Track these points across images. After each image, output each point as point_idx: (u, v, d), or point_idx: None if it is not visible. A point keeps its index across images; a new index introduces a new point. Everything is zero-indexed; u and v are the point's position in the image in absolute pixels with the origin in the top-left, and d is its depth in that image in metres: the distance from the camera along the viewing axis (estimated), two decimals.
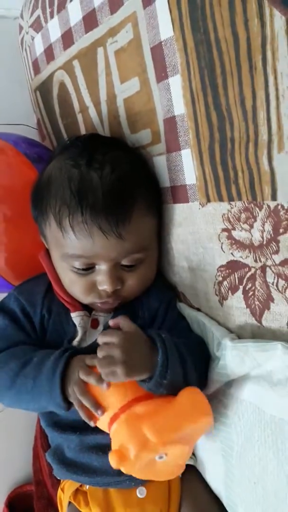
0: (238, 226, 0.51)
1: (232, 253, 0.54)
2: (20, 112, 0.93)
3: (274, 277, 0.49)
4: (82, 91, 0.71)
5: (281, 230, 0.46)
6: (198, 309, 0.64)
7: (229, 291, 0.56)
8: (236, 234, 0.52)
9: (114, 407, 0.51)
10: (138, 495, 0.63)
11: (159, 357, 0.51)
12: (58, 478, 0.68)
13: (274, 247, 0.48)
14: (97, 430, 0.55)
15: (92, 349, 0.55)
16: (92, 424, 0.53)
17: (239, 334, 0.56)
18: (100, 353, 0.52)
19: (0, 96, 1.02)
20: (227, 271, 0.55)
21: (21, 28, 0.88)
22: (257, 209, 0.48)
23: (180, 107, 0.53)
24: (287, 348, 0.47)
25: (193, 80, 0.50)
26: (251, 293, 0.52)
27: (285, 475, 0.50)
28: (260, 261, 0.50)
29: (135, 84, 0.59)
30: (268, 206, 0.47)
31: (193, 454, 0.69)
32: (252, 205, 0.48)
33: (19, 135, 0.81)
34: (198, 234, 0.58)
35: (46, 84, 0.82)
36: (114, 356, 0.50)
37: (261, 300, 0.51)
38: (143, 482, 0.63)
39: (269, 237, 0.48)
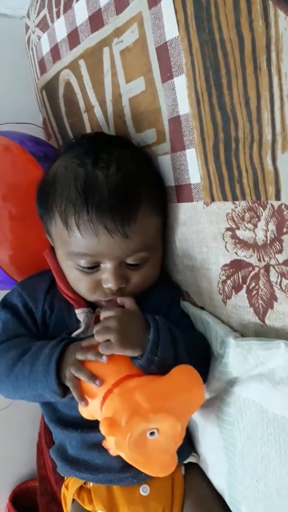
0: (242, 225, 0.51)
1: (236, 252, 0.54)
2: (26, 111, 0.94)
3: (278, 276, 0.49)
4: (87, 91, 0.71)
5: (284, 230, 0.46)
6: (202, 308, 0.64)
7: (233, 290, 0.56)
8: (240, 233, 0.52)
9: (108, 384, 0.51)
10: (142, 493, 0.63)
11: (150, 334, 0.53)
12: (62, 475, 0.69)
13: (277, 246, 0.48)
14: (98, 427, 0.55)
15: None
16: (83, 404, 0.53)
17: (243, 332, 0.56)
18: (98, 326, 0.54)
19: (7, 95, 1.02)
20: (231, 270, 0.56)
21: (27, 27, 0.88)
22: (261, 208, 0.48)
23: (185, 107, 0.53)
24: None
25: (198, 80, 0.50)
26: (254, 292, 0.53)
27: (287, 472, 0.50)
28: (264, 261, 0.50)
29: (141, 84, 0.59)
30: (272, 206, 0.47)
31: (196, 452, 0.70)
32: (256, 205, 0.49)
33: (25, 134, 0.81)
34: (202, 233, 0.58)
35: (52, 83, 0.82)
36: (110, 327, 0.53)
37: (265, 299, 0.51)
38: (145, 479, 0.63)
39: (272, 236, 0.48)
